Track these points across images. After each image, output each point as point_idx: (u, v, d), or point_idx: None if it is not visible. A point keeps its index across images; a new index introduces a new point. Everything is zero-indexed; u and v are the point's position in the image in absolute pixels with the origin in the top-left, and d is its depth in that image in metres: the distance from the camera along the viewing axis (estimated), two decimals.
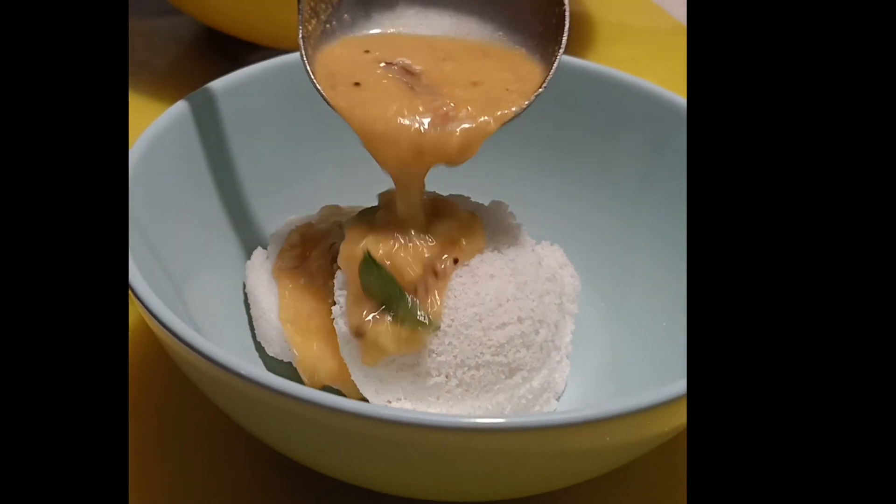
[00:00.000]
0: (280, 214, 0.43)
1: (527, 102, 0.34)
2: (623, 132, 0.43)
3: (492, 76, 0.35)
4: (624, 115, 0.43)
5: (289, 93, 0.43)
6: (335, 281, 0.36)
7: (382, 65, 0.36)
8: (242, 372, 0.28)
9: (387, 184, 0.37)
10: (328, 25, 0.36)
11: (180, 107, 0.40)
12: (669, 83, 0.43)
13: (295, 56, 0.44)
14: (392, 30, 0.37)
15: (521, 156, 0.44)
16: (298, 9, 0.35)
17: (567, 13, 0.35)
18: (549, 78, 0.35)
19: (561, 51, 0.35)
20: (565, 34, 0.35)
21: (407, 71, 0.35)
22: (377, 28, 0.37)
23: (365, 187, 0.40)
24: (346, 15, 0.37)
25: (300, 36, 0.35)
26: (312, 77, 0.35)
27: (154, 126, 0.38)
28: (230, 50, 0.63)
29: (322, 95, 0.35)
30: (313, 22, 0.36)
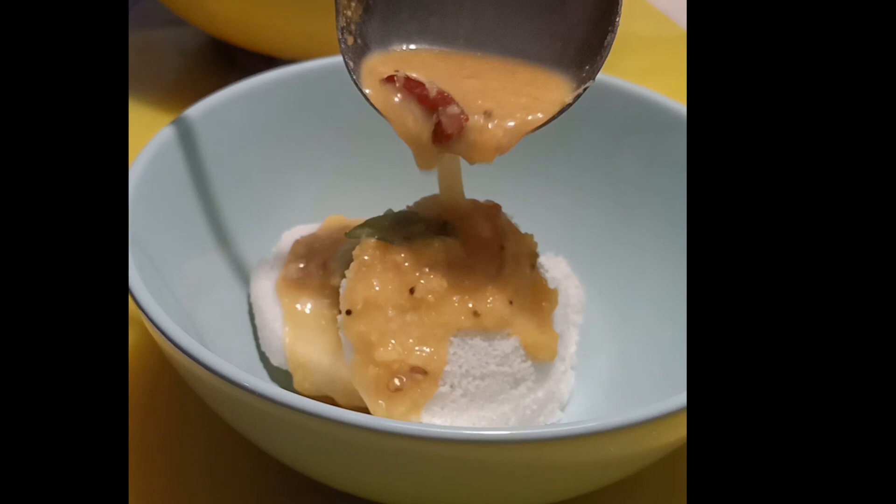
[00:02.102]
0: (285, 225, 0.43)
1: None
2: (626, 141, 0.43)
3: (506, 99, 0.35)
4: (627, 124, 0.43)
5: (294, 102, 0.44)
6: (340, 290, 0.36)
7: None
8: (245, 384, 0.28)
9: (388, 193, 0.37)
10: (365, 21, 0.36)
11: (184, 118, 0.40)
12: (676, 92, 0.43)
13: (300, 66, 0.44)
14: (425, 46, 0.37)
15: (524, 167, 0.44)
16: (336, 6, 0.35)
17: (611, 42, 0.34)
18: (556, 113, 0.34)
19: (590, 82, 0.34)
20: (600, 65, 0.34)
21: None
22: (413, 43, 0.37)
23: (370, 198, 0.40)
24: (378, 29, 0.36)
25: (338, 27, 0.35)
26: (354, 77, 0.35)
27: (158, 138, 0.38)
28: (236, 60, 0.63)
29: (362, 91, 0.35)
30: (352, 5, 0.36)
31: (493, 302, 0.35)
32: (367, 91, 0.35)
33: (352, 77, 0.35)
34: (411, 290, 0.34)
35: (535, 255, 0.38)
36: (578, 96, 0.34)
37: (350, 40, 0.35)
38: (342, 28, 0.35)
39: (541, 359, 0.36)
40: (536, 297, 0.37)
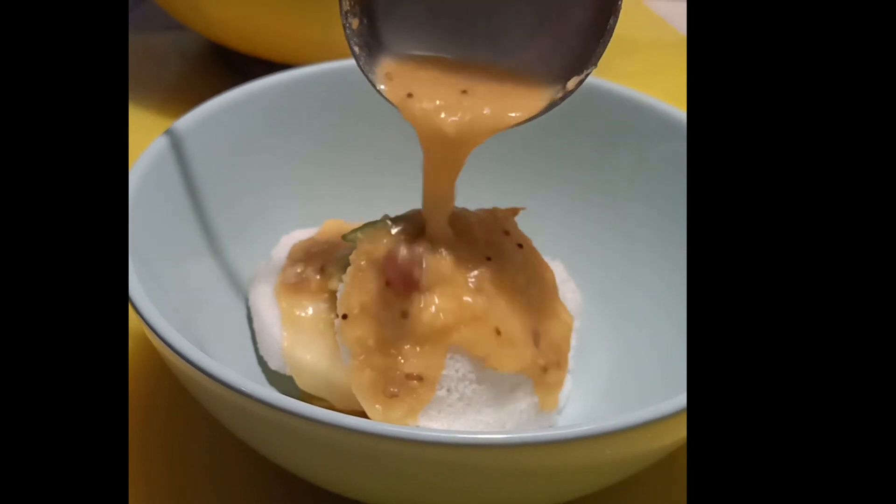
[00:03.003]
0: (284, 229, 0.43)
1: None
2: (622, 146, 0.43)
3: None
4: (623, 128, 0.43)
5: (293, 106, 0.44)
6: (338, 294, 0.36)
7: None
8: (241, 387, 0.28)
9: (387, 197, 0.37)
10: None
11: (182, 123, 0.40)
12: (674, 96, 0.43)
13: (299, 70, 0.44)
14: (429, 52, 0.36)
15: (521, 169, 0.44)
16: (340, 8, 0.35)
17: (613, 26, 0.33)
18: (559, 100, 0.33)
19: (592, 68, 0.33)
20: (602, 50, 0.33)
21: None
22: (415, 49, 0.36)
23: (369, 202, 0.40)
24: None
25: (342, 11, 0.34)
26: (360, 63, 0.35)
27: (155, 144, 0.38)
28: (235, 65, 0.63)
29: (367, 76, 0.35)
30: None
31: (485, 330, 0.35)
32: (380, 87, 0.34)
33: (358, 64, 0.34)
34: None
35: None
36: (581, 82, 0.33)
37: (355, 23, 0.34)
38: (346, 12, 0.34)
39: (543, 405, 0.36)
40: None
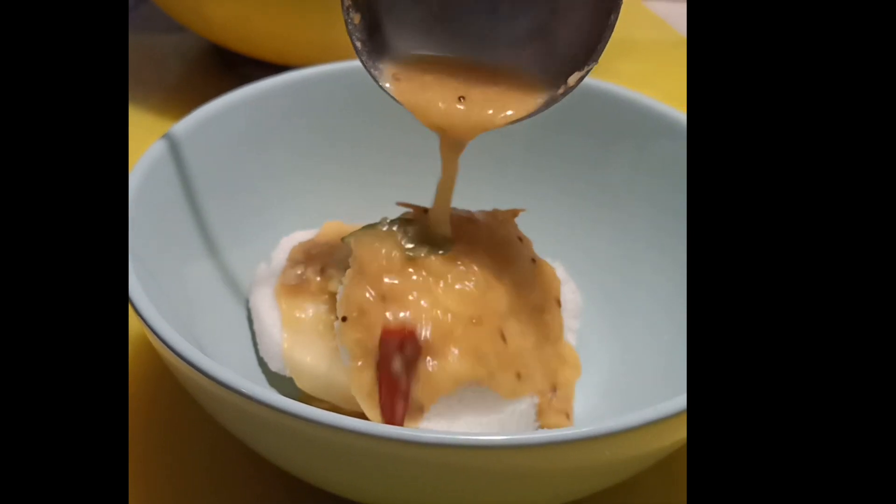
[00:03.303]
0: (283, 231, 0.43)
1: None
2: (622, 146, 0.44)
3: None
4: (622, 128, 0.43)
5: (292, 109, 0.44)
6: (338, 296, 0.36)
7: None
8: (243, 390, 0.28)
9: (387, 198, 0.37)
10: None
11: (181, 126, 0.40)
12: (674, 97, 0.43)
13: (297, 72, 0.44)
14: (431, 52, 0.36)
15: (521, 169, 0.44)
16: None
17: (614, 21, 0.33)
18: (561, 95, 0.33)
19: (593, 64, 0.33)
20: (602, 48, 0.33)
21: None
22: (417, 49, 0.36)
23: (368, 204, 0.41)
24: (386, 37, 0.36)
25: (344, 6, 0.34)
26: (363, 58, 0.34)
27: (154, 147, 0.38)
28: (235, 66, 0.63)
29: (370, 72, 0.35)
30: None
31: (507, 375, 0.35)
32: (386, 85, 0.34)
33: (361, 59, 0.34)
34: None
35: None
36: (582, 77, 0.33)
37: (357, 18, 0.34)
38: (347, 7, 0.34)
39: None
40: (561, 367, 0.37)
